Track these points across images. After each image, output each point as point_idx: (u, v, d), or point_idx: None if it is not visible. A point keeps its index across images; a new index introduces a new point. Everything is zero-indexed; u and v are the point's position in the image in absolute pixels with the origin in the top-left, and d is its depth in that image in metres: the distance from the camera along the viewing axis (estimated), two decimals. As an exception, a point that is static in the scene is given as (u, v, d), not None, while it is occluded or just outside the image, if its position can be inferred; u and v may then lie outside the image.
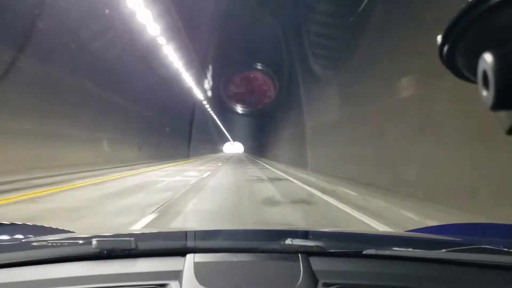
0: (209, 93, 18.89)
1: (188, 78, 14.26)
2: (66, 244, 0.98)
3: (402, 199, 4.11)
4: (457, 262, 0.88)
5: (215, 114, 28.44)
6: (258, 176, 8.95)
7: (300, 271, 0.82)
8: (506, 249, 0.88)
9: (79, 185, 6.83)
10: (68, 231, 1.18)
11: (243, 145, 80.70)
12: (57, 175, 7.65)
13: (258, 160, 23.07)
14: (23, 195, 5.30)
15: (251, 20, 10.60)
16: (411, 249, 0.95)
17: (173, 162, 16.18)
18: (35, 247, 0.94)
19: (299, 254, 0.89)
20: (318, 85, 8.57)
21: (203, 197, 5.37)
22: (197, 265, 0.85)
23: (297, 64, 9.90)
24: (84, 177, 8.00)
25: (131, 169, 10.66)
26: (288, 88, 12.84)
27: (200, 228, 1.09)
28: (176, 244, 1.00)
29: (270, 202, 4.78)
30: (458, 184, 3.74)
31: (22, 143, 7.41)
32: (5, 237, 1.10)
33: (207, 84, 16.75)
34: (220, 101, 21.01)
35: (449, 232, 1.22)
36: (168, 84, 12.85)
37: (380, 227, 3.37)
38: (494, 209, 3.11)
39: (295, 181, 7.68)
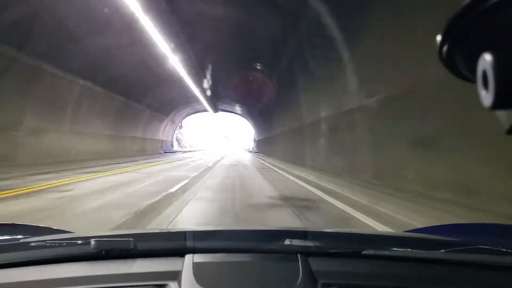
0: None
1: None
2: (65, 244, 1.07)
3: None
4: (456, 262, 0.98)
5: None
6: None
7: (299, 271, 0.90)
8: (504, 250, 0.99)
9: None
10: (67, 231, 1.31)
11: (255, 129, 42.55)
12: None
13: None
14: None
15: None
16: (410, 250, 1.05)
17: None
18: (34, 247, 1.04)
19: (298, 254, 0.99)
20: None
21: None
22: (196, 266, 0.93)
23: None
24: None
25: None
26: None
27: (199, 229, 1.45)
28: (175, 244, 1.09)
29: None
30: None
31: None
32: (3, 237, 1.19)
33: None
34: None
35: (448, 232, 1.37)
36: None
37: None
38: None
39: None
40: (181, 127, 57.36)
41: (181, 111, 38.69)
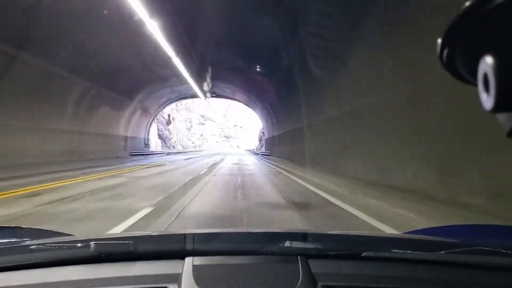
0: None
1: None
2: (65, 247, 1.10)
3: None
4: (457, 263, 1.02)
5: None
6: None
7: (299, 273, 0.92)
8: (504, 251, 1.03)
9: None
10: (67, 234, 1.29)
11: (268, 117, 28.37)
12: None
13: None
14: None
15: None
16: (410, 251, 1.08)
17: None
18: (34, 250, 1.07)
19: (298, 257, 1.02)
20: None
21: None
22: (196, 268, 0.96)
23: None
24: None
25: None
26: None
27: (199, 231, 1.33)
28: (175, 247, 1.11)
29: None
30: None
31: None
32: (3, 240, 1.20)
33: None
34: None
35: (448, 233, 1.36)
36: None
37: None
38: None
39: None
40: (169, 122, 47.16)
41: (157, 93, 26.86)
